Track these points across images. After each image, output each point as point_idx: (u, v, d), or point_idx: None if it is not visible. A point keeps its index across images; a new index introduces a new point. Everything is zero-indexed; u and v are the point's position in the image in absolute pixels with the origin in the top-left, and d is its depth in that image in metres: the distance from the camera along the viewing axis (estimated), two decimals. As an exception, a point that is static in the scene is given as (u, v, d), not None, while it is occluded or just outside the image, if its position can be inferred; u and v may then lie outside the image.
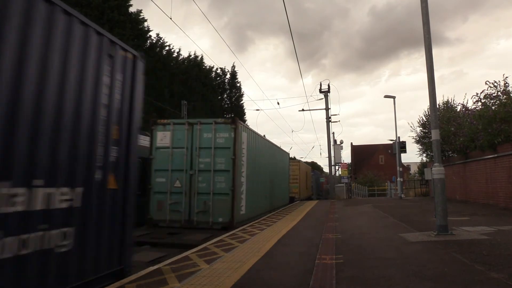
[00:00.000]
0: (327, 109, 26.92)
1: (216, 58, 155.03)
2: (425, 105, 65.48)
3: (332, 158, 26.98)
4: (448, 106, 20.95)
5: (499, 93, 13.75)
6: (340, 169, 30.24)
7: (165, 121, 9.81)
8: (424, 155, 23.95)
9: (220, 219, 8.98)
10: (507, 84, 13.70)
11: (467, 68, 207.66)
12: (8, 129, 2.99)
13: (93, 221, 4.00)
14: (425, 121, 22.46)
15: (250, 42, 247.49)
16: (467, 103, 18.48)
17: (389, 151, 42.48)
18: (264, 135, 12.22)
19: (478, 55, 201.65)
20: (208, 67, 28.91)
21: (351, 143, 61.72)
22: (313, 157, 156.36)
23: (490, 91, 14.10)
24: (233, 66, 32.27)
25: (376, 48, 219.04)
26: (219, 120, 9.57)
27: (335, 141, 29.30)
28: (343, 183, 27.97)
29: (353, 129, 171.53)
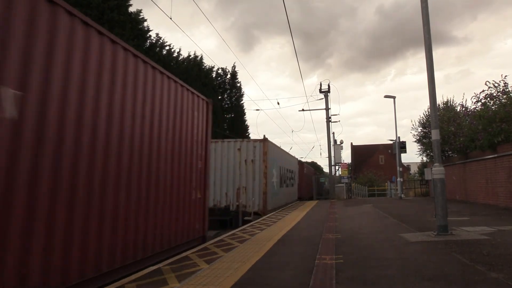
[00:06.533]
0: (327, 109, 26.94)
1: (222, 57, 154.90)
2: (428, 104, 65.25)
3: (332, 158, 26.99)
4: (448, 106, 20.96)
5: (498, 93, 13.76)
6: (340, 169, 30.25)
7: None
8: (424, 155, 23.97)
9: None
10: (506, 84, 13.71)
11: (474, 67, 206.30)
12: None
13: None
14: (425, 121, 22.47)
15: (257, 41, 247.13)
16: (466, 102, 18.48)
17: (389, 151, 42.48)
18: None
19: (485, 54, 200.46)
20: (208, 67, 28.78)
21: (351, 143, 61.76)
22: (313, 157, 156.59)
23: (490, 91, 14.12)
24: (234, 66, 32.16)
25: (383, 47, 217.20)
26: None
27: (335, 141, 29.31)
28: (343, 183, 27.98)
29: (356, 129, 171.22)
